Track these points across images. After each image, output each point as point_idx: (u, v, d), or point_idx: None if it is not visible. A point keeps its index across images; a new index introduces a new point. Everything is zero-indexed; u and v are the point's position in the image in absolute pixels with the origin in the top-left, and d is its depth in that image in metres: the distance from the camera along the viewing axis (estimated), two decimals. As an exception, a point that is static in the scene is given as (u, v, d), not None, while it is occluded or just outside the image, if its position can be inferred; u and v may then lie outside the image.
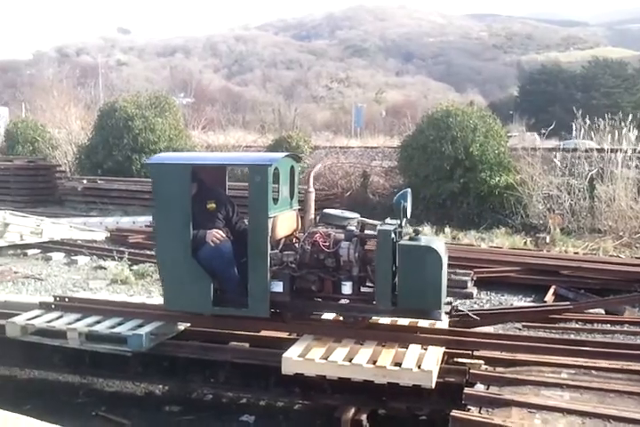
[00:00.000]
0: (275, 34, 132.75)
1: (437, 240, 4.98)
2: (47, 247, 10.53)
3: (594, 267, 8.49)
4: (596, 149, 12.81)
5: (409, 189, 5.14)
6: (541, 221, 12.03)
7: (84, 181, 15.97)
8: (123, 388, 6.06)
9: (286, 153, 5.89)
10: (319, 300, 5.18)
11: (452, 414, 4.12)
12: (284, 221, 5.19)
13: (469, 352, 4.98)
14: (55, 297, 6.06)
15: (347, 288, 4.99)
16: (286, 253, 5.04)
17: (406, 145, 13.97)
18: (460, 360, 4.90)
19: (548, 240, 10.90)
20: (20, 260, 10.05)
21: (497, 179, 12.89)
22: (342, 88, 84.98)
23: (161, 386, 5.96)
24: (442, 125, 13.05)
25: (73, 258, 9.98)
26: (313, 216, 5.41)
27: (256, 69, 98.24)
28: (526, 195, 12.45)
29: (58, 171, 18.13)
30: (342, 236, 5.04)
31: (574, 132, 13.99)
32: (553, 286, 8.09)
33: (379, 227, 4.87)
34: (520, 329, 6.63)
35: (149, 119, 16.53)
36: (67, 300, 5.99)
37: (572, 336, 6.38)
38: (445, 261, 4.83)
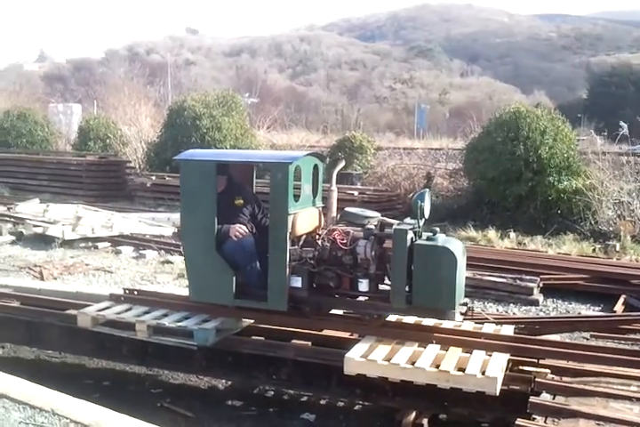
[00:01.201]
0: (339, 34, 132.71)
1: (455, 241, 4.95)
2: (117, 241, 10.83)
3: (667, 277, 8.21)
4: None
5: (427, 190, 5.18)
6: (611, 228, 11.66)
7: (153, 178, 16.35)
8: (187, 381, 6.20)
9: (309, 152, 6.02)
10: (337, 296, 5.27)
11: (516, 422, 4.07)
12: (305, 219, 5.27)
13: (535, 360, 4.88)
14: (125, 290, 6.24)
15: (363, 286, 5.07)
16: (306, 249, 5.15)
17: (472, 147, 13.77)
18: (526, 368, 4.82)
19: (617, 248, 10.56)
20: (90, 252, 10.36)
21: (565, 183, 12.55)
22: (406, 89, 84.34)
23: (224, 381, 6.07)
24: (511, 127, 12.81)
25: (141, 252, 10.24)
26: (335, 214, 5.49)
27: (320, 70, 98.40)
28: (596, 200, 12.10)
29: (128, 167, 18.58)
30: (361, 234, 5.14)
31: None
32: (623, 296, 7.86)
33: (395, 226, 4.91)
34: (588, 339, 6.47)
35: (216, 118, 16.80)
36: (136, 293, 6.16)
37: (643, 348, 6.19)
38: (462, 262, 4.84)
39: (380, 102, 73.54)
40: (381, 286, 5.19)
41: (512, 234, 11.57)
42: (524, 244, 11.16)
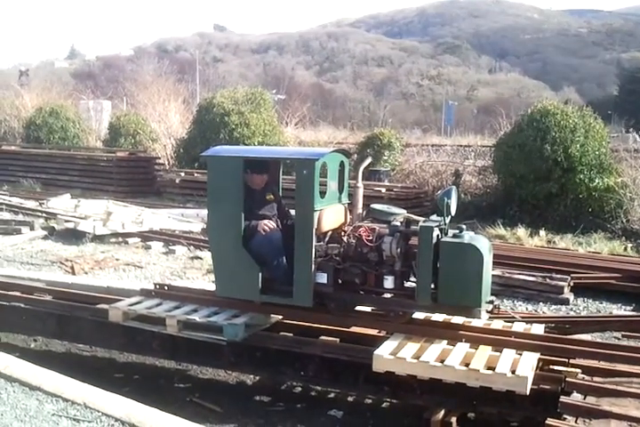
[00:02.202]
0: (366, 31, 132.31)
1: (481, 238, 4.91)
2: (147, 236, 10.92)
3: (701, 277, 8.05)
4: None
5: (454, 187, 5.15)
6: (643, 227, 11.50)
7: (182, 174, 16.46)
8: (216, 375, 6.24)
9: (335, 148, 6.01)
10: (362, 292, 5.26)
11: (547, 422, 4.03)
12: (330, 215, 5.27)
13: (566, 360, 4.83)
14: (155, 285, 6.29)
15: (388, 282, 5.06)
16: (331, 245, 5.16)
17: (502, 144, 13.63)
18: (556, 368, 4.76)
19: (650, 247, 10.42)
20: (121, 248, 10.47)
21: (597, 181, 12.37)
22: (433, 85, 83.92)
23: (252, 376, 6.09)
24: (541, 125, 12.66)
25: (171, 248, 10.31)
26: (361, 211, 5.49)
27: (347, 66, 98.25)
28: (627, 198, 11.92)
29: (157, 163, 18.69)
30: (386, 231, 5.12)
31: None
32: (655, 296, 7.75)
33: (421, 223, 4.91)
34: (619, 339, 6.38)
35: (245, 115, 16.86)
36: (166, 288, 6.22)
37: (677, 349, 6.08)
38: (489, 260, 4.79)
39: (407, 99, 73.34)
40: (407, 284, 5.18)
41: (542, 232, 11.45)
42: (554, 242, 11.03)
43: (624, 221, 11.72)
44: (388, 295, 5.24)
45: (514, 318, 5.98)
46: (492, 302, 4.96)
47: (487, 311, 4.95)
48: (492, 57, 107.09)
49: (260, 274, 5.27)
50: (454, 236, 4.80)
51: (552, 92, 67.52)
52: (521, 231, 11.31)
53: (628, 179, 12.29)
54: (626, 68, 74.18)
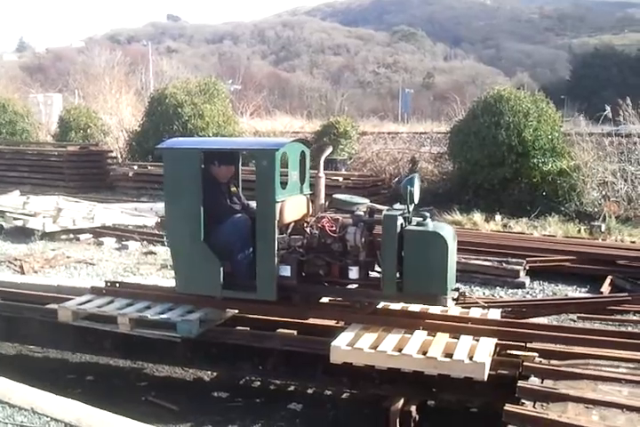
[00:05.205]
0: (322, 19, 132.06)
1: (445, 226, 4.90)
2: (99, 232, 10.71)
3: (652, 257, 8.20)
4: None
5: (416, 175, 5.09)
6: (596, 209, 11.70)
7: (135, 167, 16.20)
8: (172, 373, 6.10)
9: (295, 138, 5.91)
10: (326, 284, 5.19)
11: (505, 407, 4.01)
12: (293, 206, 5.20)
13: (523, 344, 4.84)
14: (107, 282, 6.12)
15: (353, 273, 5.00)
16: (294, 237, 5.07)
17: (457, 130, 13.70)
18: (513, 352, 4.77)
19: (603, 229, 10.58)
20: (72, 244, 10.24)
21: (550, 165, 12.53)
22: (389, 73, 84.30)
23: (209, 372, 5.99)
24: (495, 110, 12.74)
25: (124, 243, 10.12)
26: (323, 201, 5.42)
27: (303, 55, 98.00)
28: (580, 181, 12.12)
29: (109, 157, 18.39)
30: (350, 221, 5.06)
31: (622, 118, 13.63)
32: (609, 277, 7.86)
33: (384, 212, 4.86)
34: (575, 321, 6.46)
35: (198, 106, 16.64)
36: (118, 285, 6.05)
37: (630, 329, 6.18)
38: (453, 247, 4.78)
39: (363, 87, 73.51)
40: (372, 274, 5.13)
41: (497, 217, 11.57)
42: (510, 226, 11.15)
43: (577, 203, 11.92)
44: (353, 286, 5.18)
45: (477, 303, 5.98)
46: (457, 289, 4.95)
47: (453, 299, 4.93)
48: (446, 44, 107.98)
49: (222, 269, 5.14)
50: (418, 224, 4.76)
51: (506, 78, 68.42)
52: (477, 217, 11.41)
53: (580, 162, 12.48)
54: (577, 53, 75.62)
